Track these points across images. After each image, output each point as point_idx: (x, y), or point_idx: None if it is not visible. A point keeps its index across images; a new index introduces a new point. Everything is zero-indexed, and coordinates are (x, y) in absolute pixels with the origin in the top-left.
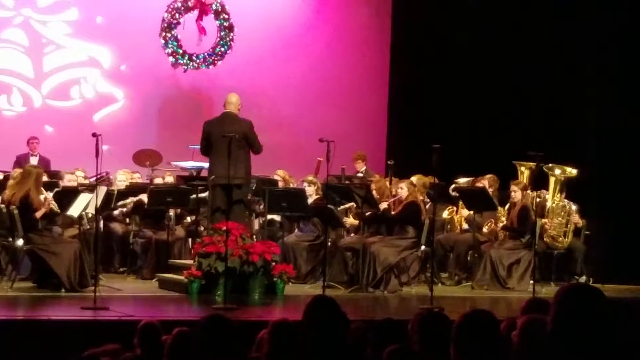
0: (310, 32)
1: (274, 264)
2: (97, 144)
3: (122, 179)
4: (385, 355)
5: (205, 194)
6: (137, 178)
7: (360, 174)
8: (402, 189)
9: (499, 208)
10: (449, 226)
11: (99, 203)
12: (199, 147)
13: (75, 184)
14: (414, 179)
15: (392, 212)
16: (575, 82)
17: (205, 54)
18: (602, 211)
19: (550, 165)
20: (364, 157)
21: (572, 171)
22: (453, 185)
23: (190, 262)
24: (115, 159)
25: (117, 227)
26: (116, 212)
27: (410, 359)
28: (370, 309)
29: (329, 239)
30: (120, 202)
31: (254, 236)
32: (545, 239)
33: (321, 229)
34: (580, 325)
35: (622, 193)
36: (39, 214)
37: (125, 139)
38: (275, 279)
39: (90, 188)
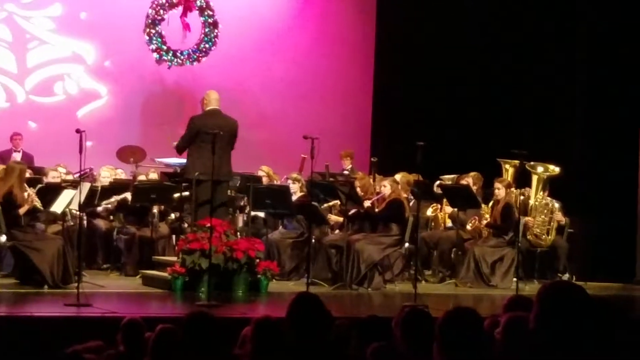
0: (294, 29)
1: (257, 260)
2: (80, 140)
3: (105, 175)
4: (369, 352)
5: (187, 192)
6: (121, 174)
7: (346, 172)
8: (386, 187)
9: (483, 206)
10: (432, 224)
11: (82, 199)
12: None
13: (58, 180)
14: (397, 176)
15: (376, 210)
16: (560, 81)
17: (190, 50)
18: (585, 209)
19: (532, 163)
20: (351, 155)
21: (554, 169)
22: (437, 183)
23: (174, 258)
24: (99, 155)
25: (100, 223)
26: (100, 209)
27: (394, 357)
28: (354, 306)
29: (313, 236)
30: (105, 202)
31: (238, 233)
32: (528, 237)
33: (305, 226)
34: (563, 323)
35: (605, 191)
36: (22, 211)
37: (109, 135)
38: (259, 276)
39: (74, 184)
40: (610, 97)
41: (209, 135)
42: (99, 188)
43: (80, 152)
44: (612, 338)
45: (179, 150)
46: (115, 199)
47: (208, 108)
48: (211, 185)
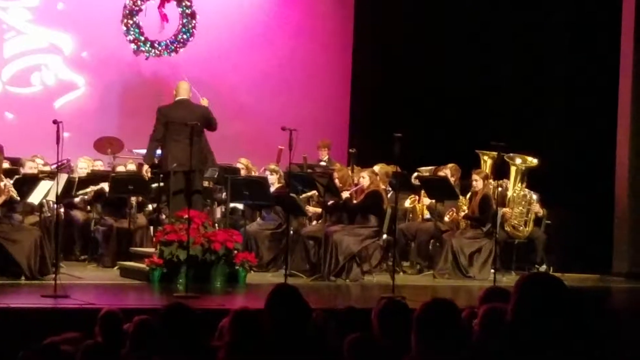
0: (272, 21)
1: (236, 252)
2: (58, 131)
3: (83, 167)
4: (346, 343)
5: (160, 184)
6: (100, 166)
7: (323, 163)
8: (364, 178)
9: (461, 197)
10: (410, 215)
11: (59, 190)
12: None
13: (36, 171)
14: (376, 167)
15: (354, 201)
16: (538, 73)
17: (167, 41)
18: (562, 201)
19: (511, 154)
20: (328, 145)
21: (532, 161)
22: (415, 174)
23: (152, 250)
24: (76, 147)
25: (78, 214)
26: (77, 200)
27: (371, 348)
28: (332, 298)
29: (291, 228)
30: (81, 191)
31: (216, 224)
32: (506, 228)
33: (283, 217)
34: (541, 314)
35: (582, 183)
36: None
37: (87, 126)
38: (237, 268)
39: (51, 175)
40: (587, 88)
41: (174, 125)
42: (77, 179)
43: (58, 143)
44: (589, 329)
45: (152, 142)
46: (92, 188)
47: (176, 98)
48: (183, 176)
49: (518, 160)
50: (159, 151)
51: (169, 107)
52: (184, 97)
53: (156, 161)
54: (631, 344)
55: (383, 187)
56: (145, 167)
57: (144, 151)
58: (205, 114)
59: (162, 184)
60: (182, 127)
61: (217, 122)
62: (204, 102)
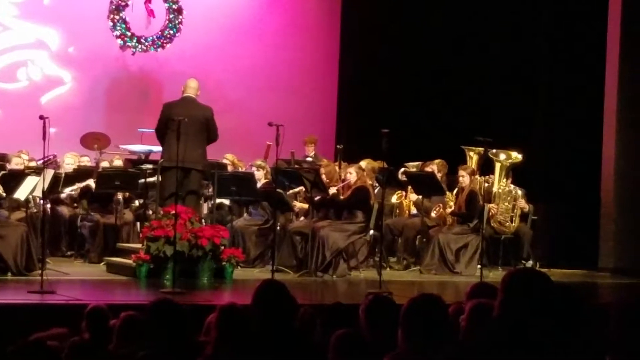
0: (260, 16)
1: (222, 248)
2: (44, 127)
3: (69, 162)
4: (333, 339)
5: (153, 178)
6: (87, 161)
7: (309, 158)
8: (351, 174)
9: (447, 193)
10: (397, 211)
11: (46, 186)
12: (148, 130)
13: (22, 167)
14: (363, 163)
15: (341, 197)
16: (522, 68)
17: (154, 36)
18: (548, 196)
19: (495, 150)
20: (315, 141)
21: (517, 156)
22: (402, 170)
23: (139, 245)
24: (63, 142)
25: (64, 210)
26: (63, 196)
27: (358, 344)
28: (319, 293)
29: (278, 223)
30: (68, 189)
31: (203, 220)
32: (492, 224)
33: (270, 213)
34: (527, 309)
35: (568, 178)
36: None
37: (73, 121)
38: (224, 263)
39: (37, 171)
40: (572, 83)
41: (174, 122)
42: (63, 175)
43: (44, 138)
44: (575, 324)
45: (157, 137)
46: (78, 186)
47: (183, 95)
48: (176, 173)
49: (502, 156)
50: (146, 147)
51: (173, 104)
52: (190, 95)
53: (142, 157)
54: (617, 339)
55: (370, 182)
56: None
57: (130, 147)
58: (208, 116)
59: (150, 179)
60: (182, 123)
61: (217, 133)
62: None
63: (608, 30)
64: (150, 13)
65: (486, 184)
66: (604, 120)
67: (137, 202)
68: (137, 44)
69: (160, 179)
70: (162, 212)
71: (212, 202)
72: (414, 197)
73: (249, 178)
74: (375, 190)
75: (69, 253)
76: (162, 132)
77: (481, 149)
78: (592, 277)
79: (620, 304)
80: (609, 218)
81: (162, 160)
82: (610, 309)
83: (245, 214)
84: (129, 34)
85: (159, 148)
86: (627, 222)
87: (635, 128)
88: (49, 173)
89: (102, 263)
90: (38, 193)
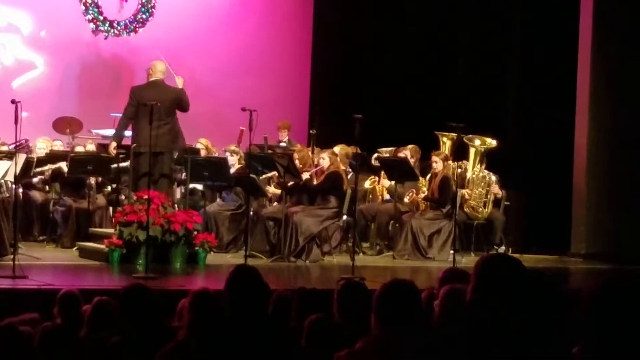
0: (233, 1)
1: (195, 233)
2: (16, 111)
3: (42, 147)
4: (306, 324)
5: (126, 163)
6: (59, 146)
7: (283, 144)
8: (324, 159)
9: (420, 178)
10: (370, 196)
11: (17, 171)
12: (120, 114)
13: None
14: (336, 148)
15: (314, 182)
16: (495, 54)
17: (126, 21)
18: (521, 182)
19: (470, 136)
20: (289, 126)
21: (491, 142)
22: (375, 155)
23: (111, 230)
24: (35, 127)
25: (36, 195)
26: (35, 180)
27: (332, 329)
28: (292, 279)
29: (251, 209)
30: (38, 169)
31: (176, 205)
32: (465, 210)
33: (243, 198)
34: (499, 294)
35: (541, 164)
36: None
37: (45, 106)
38: (197, 248)
39: (9, 155)
40: (546, 69)
41: (145, 107)
42: (35, 159)
43: (16, 123)
44: (547, 309)
45: (123, 121)
46: (49, 166)
47: (150, 79)
48: (149, 157)
49: (477, 142)
50: (128, 132)
51: (141, 87)
52: (158, 78)
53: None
54: (588, 324)
55: (343, 168)
56: (113, 145)
57: (103, 131)
58: (178, 95)
59: (123, 164)
60: (148, 108)
61: (189, 104)
62: (179, 81)
63: (581, 16)
64: None
65: (459, 170)
66: (576, 106)
67: (109, 187)
68: (109, 28)
69: (133, 164)
70: (135, 197)
71: (185, 187)
72: (387, 182)
73: (222, 163)
74: (349, 176)
75: (41, 238)
76: (132, 116)
77: (454, 135)
78: (564, 263)
79: (591, 290)
80: (580, 203)
81: (134, 145)
82: (582, 295)
83: (218, 199)
84: (101, 18)
85: (130, 133)
86: (598, 207)
87: (608, 114)
88: (21, 158)
89: (75, 248)
90: (10, 178)
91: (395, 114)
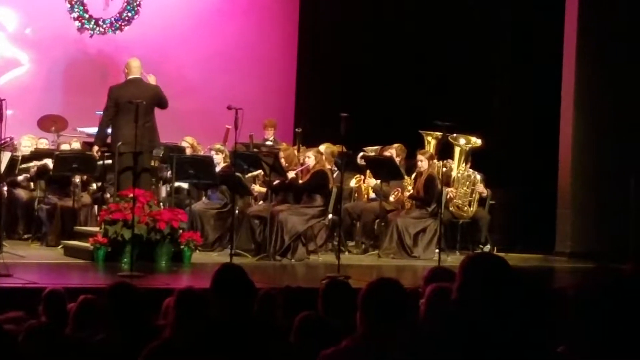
0: None
1: (181, 231)
2: (0, 109)
3: (27, 145)
4: (297, 321)
5: (111, 161)
6: (45, 144)
7: (269, 142)
8: (310, 158)
9: (406, 177)
10: (356, 195)
11: (2, 169)
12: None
13: None
14: (322, 147)
15: (300, 181)
16: (480, 53)
17: (112, 18)
18: (506, 181)
19: (455, 135)
20: (274, 125)
21: (476, 141)
22: (361, 154)
23: (97, 229)
24: (20, 124)
25: (21, 193)
26: (20, 178)
27: (321, 326)
28: (278, 277)
29: (237, 207)
30: (23, 166)
31: (161, 203)
32: (450, 208)
33: (229, 196)
34: (485, 294)
35: (526, 163)
36: None
37: (31, 104)
38: (182, 247)
39: None
40: (530, 68)
41: (126, 105)
42: (20, 157)
43: (1, 120)
44: (532, 308)
45: (104, 120)
46: (34, 163)
47: (128, 77)
48: (133, 157)
49: (462, 141)
50: (109, 130)
51: (120, 86)
52: (136, 76)
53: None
54: (574, 323)
55: (329, 166)
56: (95, 148)
57: (88, 129)
58: (157, 92)
59: (108, 162)
60: (132, 106)
61: (167, 100)
62: (152, 79)
63: (566, 14)
64: None
65: (444, 169)
66: (561, 104)
67: (94, 185)
68: (95, 26)
69: (115, 163)
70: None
71: (171, 185)
72: (372, 181)
73: (208, 161)
74: (334, 174)
75: (25, 236)
76: (112, 116)
77: (439, 134)
78: (549, 261)
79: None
80: (565, 203)
81: (119, 144)
82: (568, 294)
83: (204, 198)
84: (86, 15)
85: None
86: (583, 206)
87: (593, 112)
88: (6, 155)
89: (60, 246)
90: None
91: (381, 112)
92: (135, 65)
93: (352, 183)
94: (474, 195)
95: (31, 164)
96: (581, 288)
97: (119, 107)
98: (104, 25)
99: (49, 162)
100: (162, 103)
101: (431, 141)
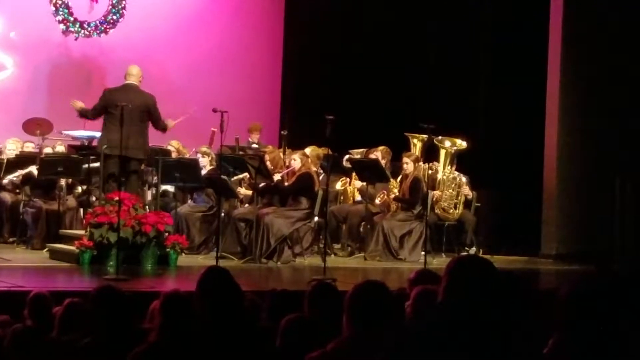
0: (204, 2)
1: (166, 234)
2: None
3: (12, 148)
4: (283, 323)
5: (97, 164)
6: (31, 147)
7: (254, 145)
8: (296, 160)
9: (392, 180)
10: (342, 197)
11: None
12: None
13: None
14: (307, 150)
15: (286, 183)
16: (464, 56)
17: (97, 21)
18: (491, 183)
19: (440, 137)
20: (259, 129)
21: (462, 144)
22: (346, 157)
23: (82, 232)
24: (5, 128)
25: (6, 196)
26: (5, 181)
27: (308, 328)
28: (263, 280)
29: (223, 210)
30: (10, 175)
31: (147, 207)
32: (436, 211)
33: (215, 199)
34: (470, 296)
35: (511, 165)
36: None
37: (15, 107)
38: (168, 250)
39: None
40: (515, 70)
41: (114, 109)
42: (5, 161)
43: None
44: (518, 310)
45: (82, 116)
46: (20, 172)
47: (125, 82)
48: (119, 160)
49: (447, 143)
50: (89, 133)
51: (114, 90)
52: (132, 82)
53: (86, 142)
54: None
55: (314, 169)
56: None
57: (73, 132)
58: (149, 103)
59: (94, 165)
60: (117, 110)
61: (159, 118)
62: (170, 123)
63: (550, 16)
64: None
65: (430, 171)
66: (546, 106)
67: (80, 189)
68: (79, 29)
69: (102, 166)
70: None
71: (156, 188)
72: (358, 183)
73: (193, 164)
74: (320, 177)
75: (11, 239)
76: (97, 117)
77: (425, 136)
78: (535, 264)
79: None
80: (551, 205)
81: (105, 147)
82: (556, 295)
83: (189, 201)
84: (71, 19)
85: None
86: (569, 208)
87: (578, 114)
88: None
89: (45, 250)
90: None
91: (367, 115)
92: (131, 72)
93: (338, 186)
94: (459, 197)
95: (16, 174)
96: (571, 290)
97: (109, 110)
98: (89, 28)
99: (33, 170)
100: (152, 113)
101: (417, 143)
